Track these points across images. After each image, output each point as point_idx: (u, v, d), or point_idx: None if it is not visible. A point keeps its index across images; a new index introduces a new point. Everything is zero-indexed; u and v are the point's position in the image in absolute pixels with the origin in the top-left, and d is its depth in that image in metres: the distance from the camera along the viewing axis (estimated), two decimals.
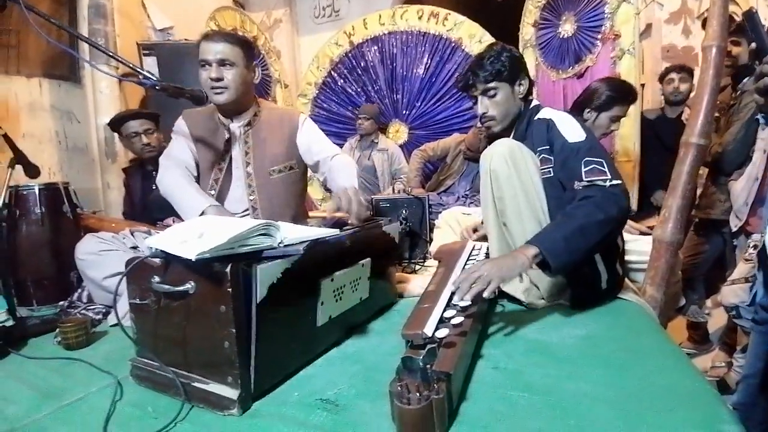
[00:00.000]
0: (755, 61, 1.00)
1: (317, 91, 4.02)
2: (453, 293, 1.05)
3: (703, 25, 1.70)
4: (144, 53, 3.17)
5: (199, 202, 1.46)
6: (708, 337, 2.46)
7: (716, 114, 2.00)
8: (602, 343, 1.03)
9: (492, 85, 1.33)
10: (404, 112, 3.80)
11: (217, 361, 0.84)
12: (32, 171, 1.66)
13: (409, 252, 1.95)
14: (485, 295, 1.00)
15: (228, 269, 0.80)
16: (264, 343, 0.85)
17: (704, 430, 0.68)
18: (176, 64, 3.07)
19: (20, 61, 2.68)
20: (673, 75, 2.66)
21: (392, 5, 3.91)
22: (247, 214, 1.63)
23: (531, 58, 3.13)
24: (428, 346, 0.82)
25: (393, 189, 2.87)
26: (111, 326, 1.34)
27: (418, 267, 1.87)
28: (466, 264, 1.30)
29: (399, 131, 3.86)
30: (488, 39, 3.34)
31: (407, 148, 3.67)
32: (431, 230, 2.01)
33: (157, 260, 0.90)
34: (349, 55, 3.87)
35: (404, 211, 1.98)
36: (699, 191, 2.34)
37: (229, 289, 0.80)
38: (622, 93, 1.88)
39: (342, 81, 3.94)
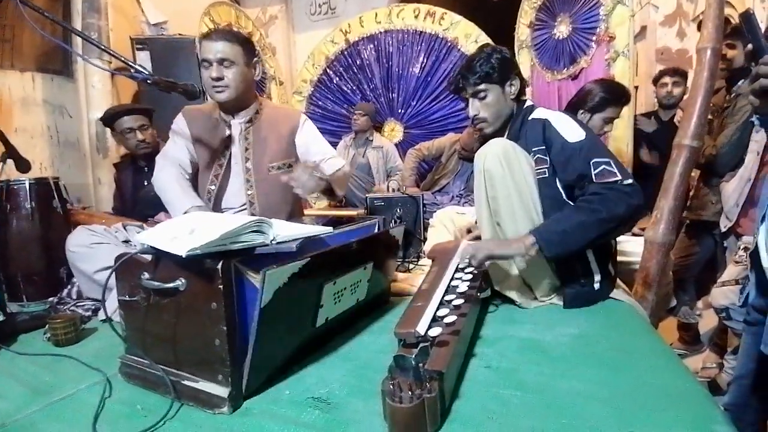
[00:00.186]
0: (752, 63, 0.99)
1: (312, 89, 4.01)
2: (446, 291, 1.05)
3: (699, 28, 1.70)
4: (137, 48, 3.13)
5: (182, 202, 1.51)
6: (699, 338, 2.47)
7: (709, 116, 2.01)
8: (595, 343, 1.03)
9: (482, 87, 1.33)
10: (400, 111, 3.80)
11: (207, 359, 0.83)
12: (23, 166, 1.65)
13: (403, 251, 1.95)
14: (473, 263, 1.15)
15: (219, 266, 0.78)
16: (262, 345, 0.84)
17: (696, 430, 0.69)
18: (170, 59, 3.06)
19: (14, 56, 2.65)
20: (667, 78, 2.68)
21: (388, 3, 3.90)
22: (245, 209, 1.65)
23: (526, 59, 3.14)
24: (421, 345, 0.82)
25: (388, 187, 2.87)
26: (101, 321, 1.32)
27: (411, 266, 1.86)
28: (459, 264, 1.29)
29: (394, 130, 3.86)
30: (484, 39, 3.35)
31: (402, 147, 3.68)
32: (425, 229, 2.01)
33: (147, 256, 0.89)
34: (345, 53, 3.86)
35: (399, 210, 1.99)
36: (691, 193, 2.36)
37: (220, 286, 0.79)
38: (615, 95, 1.89)
39: (337, 79, 3.93)
